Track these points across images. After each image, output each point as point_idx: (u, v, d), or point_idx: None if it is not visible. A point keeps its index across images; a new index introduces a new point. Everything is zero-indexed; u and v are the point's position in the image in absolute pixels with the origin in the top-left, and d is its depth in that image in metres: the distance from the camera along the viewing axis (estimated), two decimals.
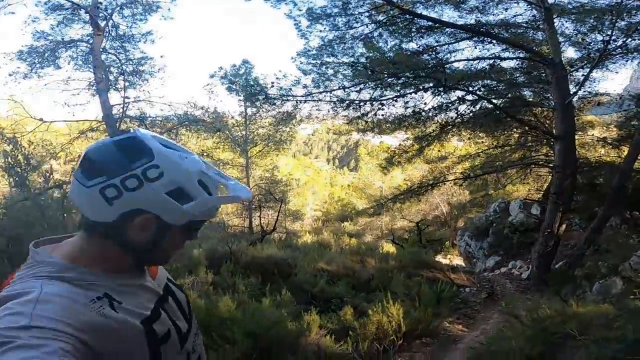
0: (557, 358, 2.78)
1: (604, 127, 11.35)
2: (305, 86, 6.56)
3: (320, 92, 6.42)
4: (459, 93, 7.77)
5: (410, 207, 23.09)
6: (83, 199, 0.70)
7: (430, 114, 7.92)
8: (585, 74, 8.19)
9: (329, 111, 6.81)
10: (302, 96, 6.64)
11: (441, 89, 6.07)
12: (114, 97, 9.96)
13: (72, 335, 0.59)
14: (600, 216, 7.89)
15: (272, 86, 6.70)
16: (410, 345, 4.32)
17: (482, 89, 8.37)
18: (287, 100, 6.78)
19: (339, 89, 6.29)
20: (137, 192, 0.69)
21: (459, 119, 7.68)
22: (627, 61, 9.09)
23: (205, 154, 14.96)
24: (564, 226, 7.75)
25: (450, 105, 8.12)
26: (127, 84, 9.56)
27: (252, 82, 6.84)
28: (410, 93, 6.24)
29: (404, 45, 7.08)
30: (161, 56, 9.06)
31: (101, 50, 9.45)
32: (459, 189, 21.21)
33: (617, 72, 8.82)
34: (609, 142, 10.40)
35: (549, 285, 7.22)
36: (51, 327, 0.57)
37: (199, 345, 0.91)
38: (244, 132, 15.35)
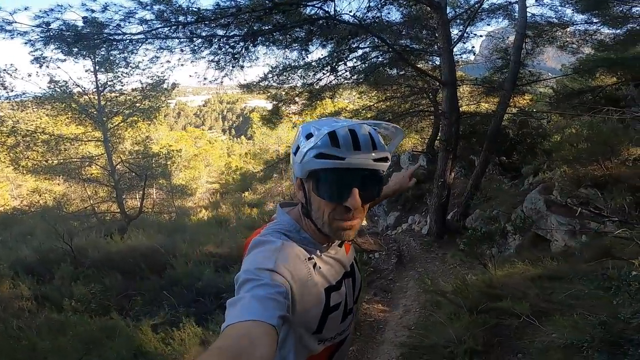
0: (507, 347, 2.17)
1: (473, 84, 12.20)
2: (144, 21, 4.56)
3: (169, 27, 4.52)
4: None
5: None
6: None
7: (322, 62, 6.89)
8: (465, 25, 8.38)
9: (182, 50, 4.96)
10: (140, 34, 4.63)
11: (328, 23, 4.94)
12: None
13: (290, 284, 0.76)
14: (481, 162, 8.35)
15: (86, 23, 4.49)
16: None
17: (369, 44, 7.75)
18: (115, 41, 4.67)
19: (197, 22, 4.49)
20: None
21: (350, 68, 6.85)
22: (492, 19, 9.73)
23: (38, 131, 11.35)
24: (452, 174, 7.95)
25: (340, 54, 7.23)
26: None
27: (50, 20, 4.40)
28: (295, 26, 4.93)
29: None
30: None
31: None
32: None
33: (488, 25, 9.17)
34: (479, 94, 11.24)
35: (443, 239, 7.38)
36: (284, 275, 0.75)
37: (350, 326, 1.03)
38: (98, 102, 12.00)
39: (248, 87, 8.42)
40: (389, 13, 7.49)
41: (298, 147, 0.83)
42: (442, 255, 6.62)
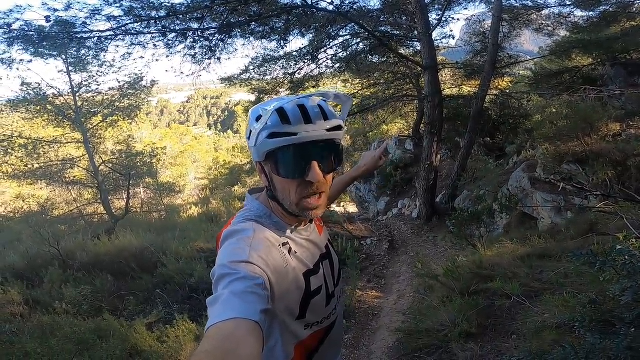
0: (501, 328, 2.22)
1: (454, 68, 12.23)
2: (112, 18, 4.36)
3: (140, 22, 4.34)
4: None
5: None
6: None
7: (302, 52, 6.79)
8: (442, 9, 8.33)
9: (155, 45, 4.76)
10: (109, 30, 4.42)
11: (306, 10, 4.81)
12: None
13: (267, 273, 0.74)
14: (466, 143, 8.46)
15: (49, 22, 4.28)
16: None
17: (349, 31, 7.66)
18: (83, 39, 4.46)
19: (169, 16, 4.29)
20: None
21: (331, 56, 6.78)
22: (469, 3, 9.71)
23: (15, 135, 11.01)
24: (439, 157, 8.04)
25: (320, 43, 7.14)
26: None
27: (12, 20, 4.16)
28: (272, 16, 4.78)
29: None
30: None
31: None
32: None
33: (466, 9, 9.11)
34: (461, 77, 11.31)
35: (433, 221, 7.49)
36: (259, 264, 0.73)
37: (339, 308, 1.02)
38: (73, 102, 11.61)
39: (230, 80, 8.28)
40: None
41: (251, 132, 0.82)
42: (433, 238, 6.73)
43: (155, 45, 4.69)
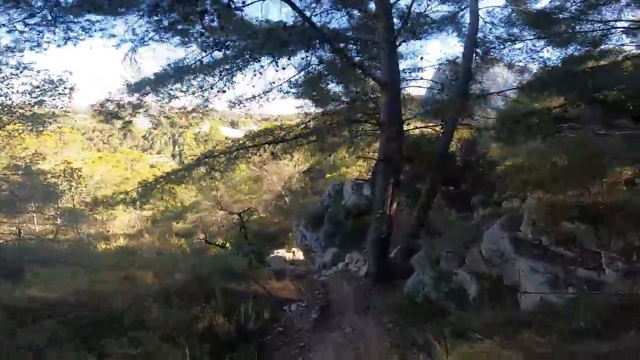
0: None
1: (420, 105, 11.36)
2: None
3: None
4: None
5: (252, 198, 20.67)
6: None
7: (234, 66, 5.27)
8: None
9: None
10: None
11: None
12: None
13: None
14: (427, 190, 7.09)
15: None
16: None
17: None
18: None
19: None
20: None
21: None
22: (439, 31, 8.95)
23: None
24: (395, 204, 6.49)
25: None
26: None
27: None
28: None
29: None
30: None
31: None
32: (300, 176, 20.08)
33: (437, 37, 8.25)
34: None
35: (383, 282, 5.77)
36: None
37: None
38: None
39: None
40: None
41: None
42: (380, 305, 4.97)
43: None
